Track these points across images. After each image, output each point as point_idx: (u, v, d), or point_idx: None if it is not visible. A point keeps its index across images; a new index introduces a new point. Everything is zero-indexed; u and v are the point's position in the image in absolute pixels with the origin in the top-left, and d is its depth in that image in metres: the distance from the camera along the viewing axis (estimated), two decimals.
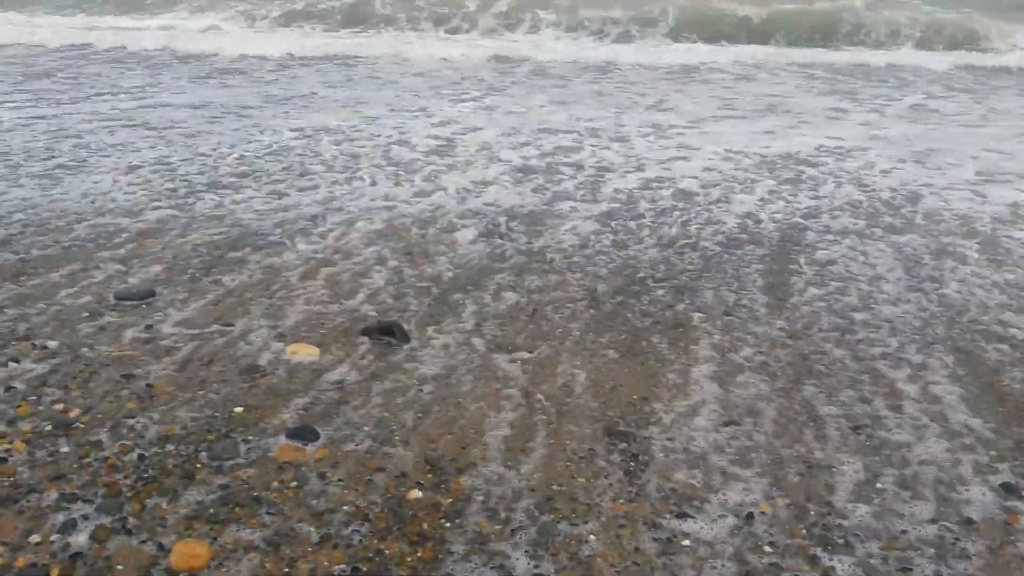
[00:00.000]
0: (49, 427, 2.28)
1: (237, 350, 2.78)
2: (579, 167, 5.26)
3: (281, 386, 2.57)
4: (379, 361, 2.76)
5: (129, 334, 2.84)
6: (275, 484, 2.10)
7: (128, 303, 3.08)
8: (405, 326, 2.97)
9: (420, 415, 2.44)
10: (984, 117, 7.47)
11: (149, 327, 2.90)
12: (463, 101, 7.53)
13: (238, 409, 2.42)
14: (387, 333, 2.92)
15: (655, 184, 4.94)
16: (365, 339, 2.89)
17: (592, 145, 5.86)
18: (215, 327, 2.93)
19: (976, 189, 4.99)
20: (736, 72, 9.79)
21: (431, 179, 4.91)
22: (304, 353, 2.76)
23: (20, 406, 2.37)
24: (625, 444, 2.31)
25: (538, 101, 7.64)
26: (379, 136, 5.97)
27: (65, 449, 2.19)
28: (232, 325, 2.95)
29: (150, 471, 2.12)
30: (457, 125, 6.43)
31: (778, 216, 4.39)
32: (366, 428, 2.36)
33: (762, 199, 4.69)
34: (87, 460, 2.15)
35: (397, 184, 4.80)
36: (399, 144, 5.74)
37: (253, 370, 2.65)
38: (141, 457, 2.17)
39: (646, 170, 5.24)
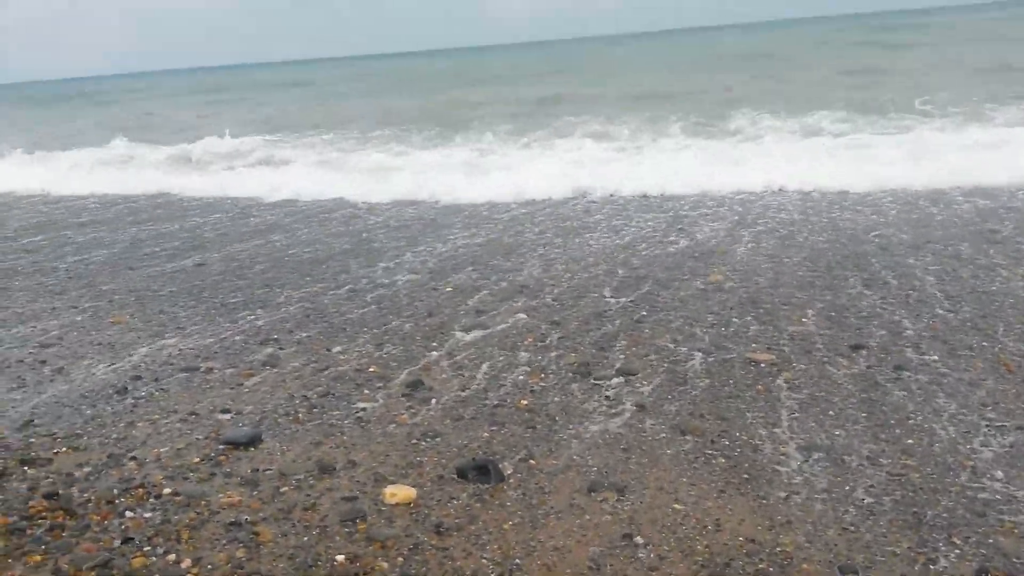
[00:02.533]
0: None
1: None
2: None
3: (381, 531, 2.60)
4: (475, 501, 2.76)
5: None
6: None
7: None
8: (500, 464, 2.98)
9: (519, 560, 2.41)
10: None
11: None
12: None
13: (340, 557, 2.45)
14: (482, 471, 2.93)
15: None
16: (463, 479, 2.91)
17: None
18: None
19: None
20: None
21: None
22: (403, 496, 2.79)
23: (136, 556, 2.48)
24: None
25: None
26: None
27: None
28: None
29: None
30: None
31: None
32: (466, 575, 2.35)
33: None
34: None
35: None
36: None
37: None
38: None
39: None
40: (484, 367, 4.01)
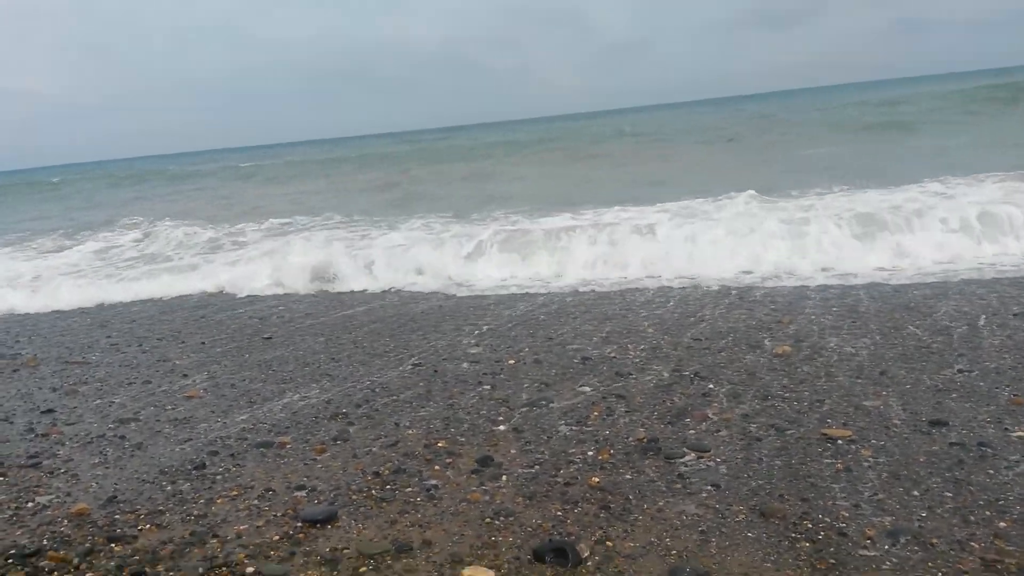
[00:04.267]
0: None
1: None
2: None
3: None
4: None
5: None
6: None
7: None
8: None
9: None
10: None
11: None
12: None
13: None
14: (559, 554, 2.90)
15: None
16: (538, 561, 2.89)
17: None
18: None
19: None
20: None
21: None
22: None
23: None
24: None
25: None
26: None
27: None
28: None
29: None
30: None
31: None
32: None
33: None
34: None
35: None
36: None
37: None
38: None
39: None
40: (552, 442, 4.00)
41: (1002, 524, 2.93)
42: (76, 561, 3.03)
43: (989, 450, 3.54)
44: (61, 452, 4.34)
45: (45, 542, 3.22)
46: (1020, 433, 3.70)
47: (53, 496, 3.72)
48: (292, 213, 17.78)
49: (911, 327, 5.60)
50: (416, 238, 11.60)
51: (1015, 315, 5.67)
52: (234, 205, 22.68)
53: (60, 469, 4.08)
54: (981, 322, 5.58)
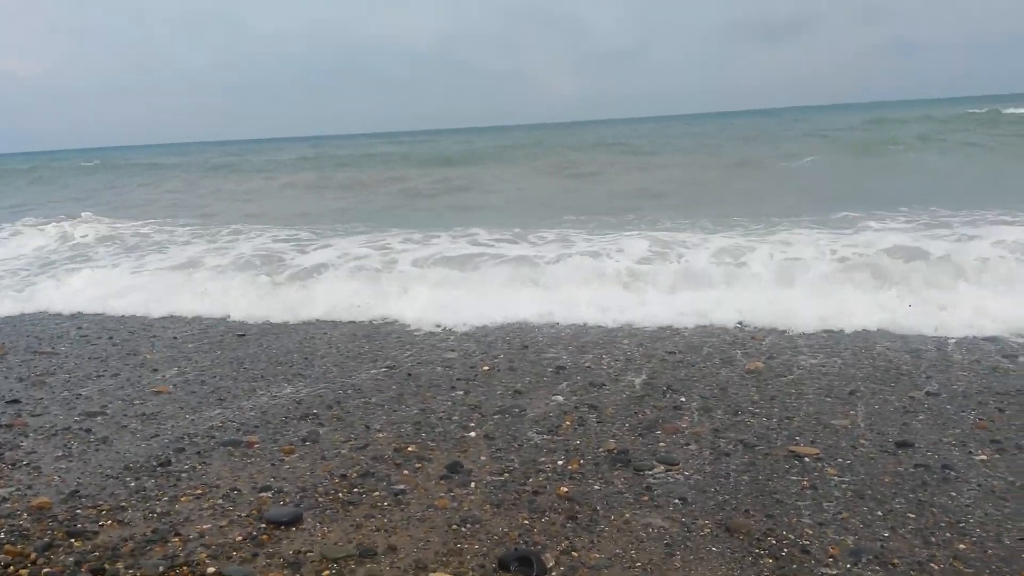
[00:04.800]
0: None
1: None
2: None
3: None
4: None
5: None
6: None
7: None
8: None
9: None
10: None
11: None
12: None
13: None
14: (524, 563, 2.90)
15: None
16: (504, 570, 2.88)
17: None
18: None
19: None
20: None
21: None
22: None
23: None
24: None
25: None
26: None
27: None
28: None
29: None
30: None
31: None
32: None
33: None
34: None
35: None
36: None
37: None
38: None
39: None
40: (523, 450, 4.00)
41: (962, 546, 2.97)
42: (34, 556, 2.98)
43: (952, 472, 3.59)
44: (24, 444, 4.28)
45: (2, 535, 3.17)
46: (983, 457, 3.75)
47: (14, 488, 3.66)
48: (245, 217, 16.14)
49: (882, 347, 5.67)
50: (353, 259, 9.60)
51: (985, 339, 5.76)
52: (190, 201, 21.92)
53: (23, 461, 4.02)
54: (951, 345, 5.66)
